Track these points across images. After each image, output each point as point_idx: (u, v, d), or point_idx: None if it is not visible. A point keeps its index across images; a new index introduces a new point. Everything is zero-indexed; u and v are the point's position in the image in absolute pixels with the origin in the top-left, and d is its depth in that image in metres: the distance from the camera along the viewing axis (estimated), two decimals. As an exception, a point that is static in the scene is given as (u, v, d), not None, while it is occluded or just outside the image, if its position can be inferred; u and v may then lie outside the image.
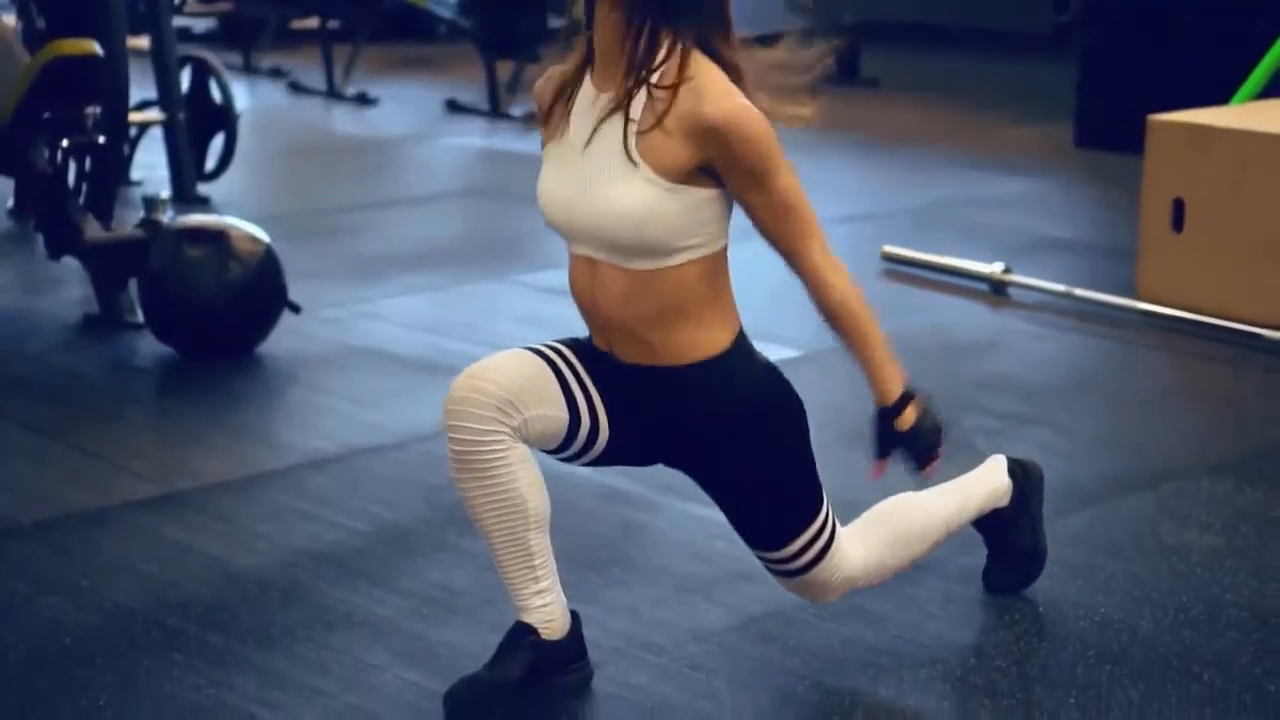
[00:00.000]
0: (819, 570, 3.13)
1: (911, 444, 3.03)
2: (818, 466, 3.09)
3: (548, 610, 3.05)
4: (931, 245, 6.28)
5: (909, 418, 3.01)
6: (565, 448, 3.02)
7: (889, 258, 6.17)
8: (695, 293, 2.90)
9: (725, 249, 2.93)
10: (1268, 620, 3.41)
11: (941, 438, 3.06)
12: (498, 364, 2.94)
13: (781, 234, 2.89)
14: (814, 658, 3.26)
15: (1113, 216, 6.86)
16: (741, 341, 2.99)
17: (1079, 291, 5.67)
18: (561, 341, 3.05)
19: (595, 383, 3.00)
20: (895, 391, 2.99)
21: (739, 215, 2.92)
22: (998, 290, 5.82)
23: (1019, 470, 3.47)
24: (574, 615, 3.11)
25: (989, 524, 3.45)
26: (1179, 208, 5.58)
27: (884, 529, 3.25)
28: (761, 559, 3.16)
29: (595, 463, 3.08)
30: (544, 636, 3.04)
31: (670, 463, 3.11)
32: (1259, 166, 5.41)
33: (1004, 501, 3.43)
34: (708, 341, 2.94)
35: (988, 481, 3.42)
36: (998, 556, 3.49)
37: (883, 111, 9.62)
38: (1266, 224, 5.40)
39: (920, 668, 3.23)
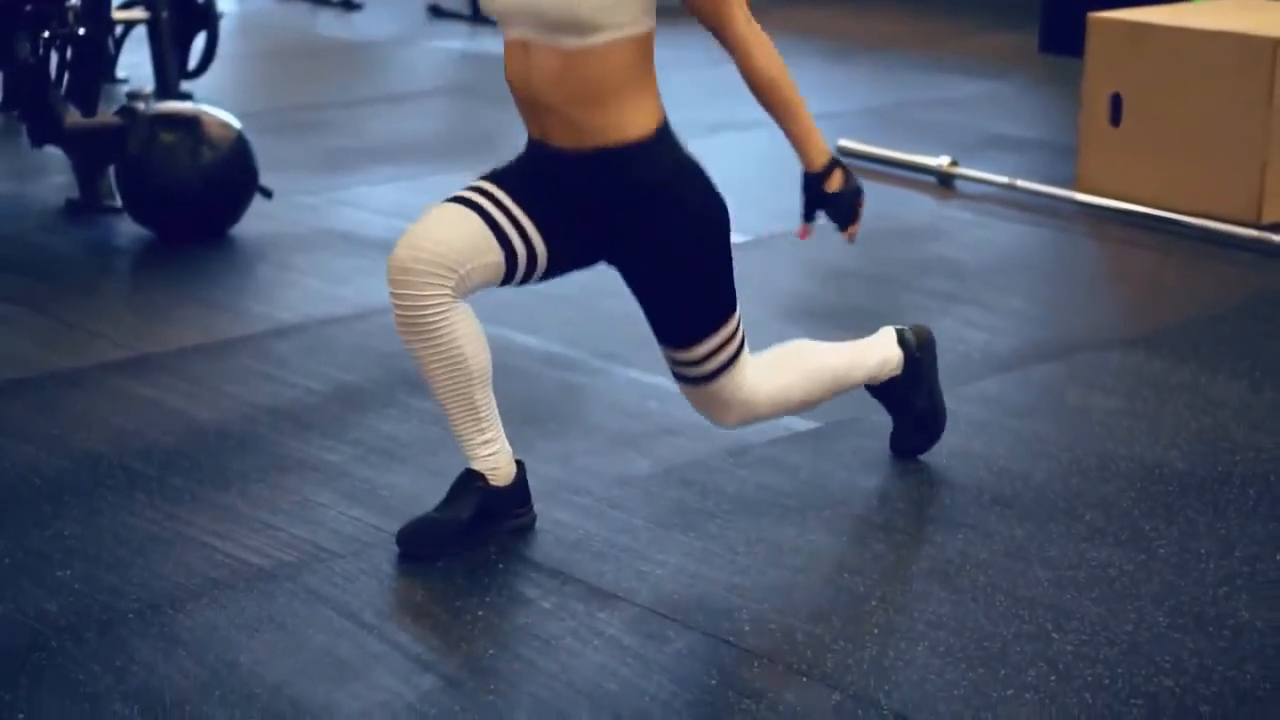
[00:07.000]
0: (724, 381, 3.34)
1: (836, 205, 3.29)
2: (737, 300, 3.31)
3: (494, 459, 3.30)
4: (888, 141, 6.50)
5: (835, 182, 3.28)
6: (510, 280, 3.25)
7: (844, 152, 6.37)
8: (622, 75, 3.10)
9: (651, 35, 3.12)
10: (1153, 470, 3.67)
11: (862, 200, 3.31)
12: (430, 228, 3.17)
13: (705, 4, 3.12)
14: (727, 500, 3.52)
15: (1064, 116, 7.05)
16: (666, 131, 3.19)
17: (1021, 183, 5.90)
18: (486, 177, 3.26)
19: (524, 206, 3.21)
20: (821, 159, 3.26)
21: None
22: (945, 182, 6.05)
23: (910, 339, 3.68)
24: (519, 464, 3.37)
25: (887, 392, 3.67)
26: (1117, 102, 5.80)
27: (786, 362, 3.48)
28: (671, 361, 3.35)
29: (544, 278, 3.31)
30: (491, 483, 3.30)
31: (605, 255, 3.29)
32: (1191, 62, 5.63)
33: (897, 371, 3.66)
34: (634, 123, 3.13)
35: (878, 351, 3.63)
36: (900, 420, 3.72)
37: (856, 19, 9.79)
38: (1196, 118, 5.62)
39: (825, 509, 3.49)
